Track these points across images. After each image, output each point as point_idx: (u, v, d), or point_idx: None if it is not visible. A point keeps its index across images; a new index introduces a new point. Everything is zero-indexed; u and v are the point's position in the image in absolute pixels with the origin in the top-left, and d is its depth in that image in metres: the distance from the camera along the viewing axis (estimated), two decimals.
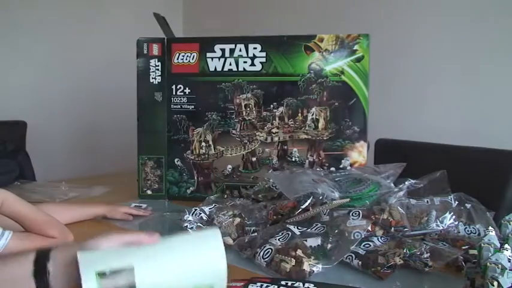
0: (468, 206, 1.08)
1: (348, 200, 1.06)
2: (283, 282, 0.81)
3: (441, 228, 1.01)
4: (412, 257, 0.89)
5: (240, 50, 1.41)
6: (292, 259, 0.88)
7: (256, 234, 1.02)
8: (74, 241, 0.67)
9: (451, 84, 1.97)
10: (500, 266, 0.66)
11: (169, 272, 0.59)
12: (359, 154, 1.38)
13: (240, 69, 1.42)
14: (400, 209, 1.01)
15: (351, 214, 0.99)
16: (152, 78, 1.45)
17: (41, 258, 0.63)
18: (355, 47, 1.36)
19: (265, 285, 0.79)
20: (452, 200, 1.09)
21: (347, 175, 1.19)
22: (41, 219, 0.98)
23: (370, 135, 1.40)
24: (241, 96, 1.43)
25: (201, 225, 1.09)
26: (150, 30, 1.70)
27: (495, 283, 0.65)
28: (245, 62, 1.41)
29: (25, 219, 0.96)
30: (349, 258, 0.91)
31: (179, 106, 1.46)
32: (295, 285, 0.80)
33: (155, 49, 1.45)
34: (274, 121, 1.42)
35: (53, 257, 0.63)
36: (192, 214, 1.12)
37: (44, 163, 2.21)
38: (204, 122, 1.45)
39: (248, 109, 1.43)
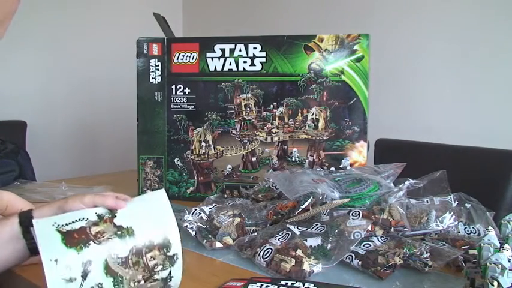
0: (468, 206, 1.08)
1: (348, 200, 1.06)
2: (283, 282, 0.81)
3: (441, 228, 1.01)
4: (412, 257, 0.89)
5: (240, 50, 1.41)
6: (292, 259, 0.88)
7: (256, 234, 1.02)
8: (51, 202, 0.73)
9: (451, 84, 1.97)
10: (500, 266, 0.66)
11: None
12: (359, 154, 1.38)
13: (240, 69, 1.42)
14: (400, 209, 1.02)
15: (351, 214, 0.99)
16: (152, 78, 1.45)
17: (25, 219, 0.68)
18: (355, 47, 1.36)
19: (265, 285, 0.79)
20: (452, 200, 1.09)
21: (347, 175, 1.19)
22: None
23: (370, 135, 1.40)
24: (241, 96, 1.43)
25: (201, 225, 1.09)
26: (150, 30, 1.70)
27: (495, 283, 0.65)
28: (245, 62, 1.42)
29: None
30: (349, 258, 0.91)
31: (179, 106, 1.46)
32: (295, 285, 0.80)
33: (155, 49, 1.45)
34: (274, 121, 1.42)
35: (36, 216, 0.68)
36: (192, 214, 1.12)
37: (44, 163, 2.21)
38: (204, 122, 1.45)
39: (248, 109, 1.43)
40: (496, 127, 1.83)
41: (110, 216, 0.66)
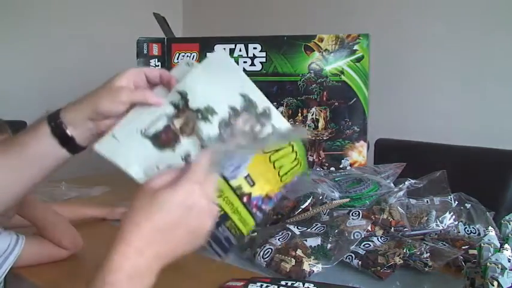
0: (468, 206, 1.08)
1: (348, 200, 1.06)
2: (283, 282, 0.81)
3: (441, 228, 1.01)
4: (412, 257, 0.89)
5: (240, 50, 1.41)
6: (292, 259, 0.88)
7: (256, 234, 1.02)
8: (79, 99, 0.64)
9: (451, 84, 1.97)
10: (500, 266, 0.66)
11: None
12: (359, 154, 1.38)
13: None
14: (400, 209, 1.02)
15: (351, 214, 0.99)
16: None
17: (53, 117, 0.62)
18: (355, 47, 1.36)
19: (265, 285, 0.79)
20: (452, 200, 1.09)
21: (347, 175, 1.19)
22: (57, 228, 0.98)
23: (370, 135, 1.40)
24: None
25: None
26: (150, 30, 1.70)
27: (495, 283, 0.65)
28: (245, 62, 1.41)
29: (42, 225, 0.97)
30: (349, 258, 0.91)
31: None
32: (295, 285, 0.80)
33: (155, 49, 1.45)
34: None
35: (62, 116, 0.62)
36: None
37: None
38: None
39: None
40: (496, 127, 1.83)
41: (184, 102, 0.61)
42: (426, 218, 1.02)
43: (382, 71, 1.87)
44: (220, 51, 0.65)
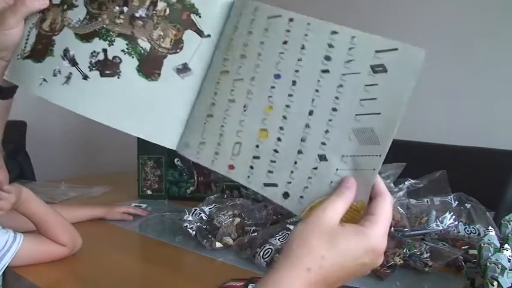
0: (468, 206, 1.08)
1: None
2: None
3: (441, 228, 1.01)
4: (412, 257, 0.89)
5: None
6: None
7: (256, 234, 1.02)
8: None
9: (451, 84, 1.97)
10: (500, 266, 0.66)
11: None
12: None
13: None
14: (400, 209, 1.01)
15: None
16: None
17: None
18: None
19: None
20: (452, 200, 1.09)
21: None
22: (56, 225, 0.98)
23: None
24: None
25: (201, 225, 1.09)
26: None
27: (495, 283, 0.65)
28: None
29: (40, 222, 0.97)
30: None
31: None
32: None
33: None
34: None
35: None
36: (192, 214, 1.12)
37: (44, 163, 2.21)
38: None
39: None
40: (496, 127, 1.83)
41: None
42: (426, 218, 1.02)
43: None
44: None
